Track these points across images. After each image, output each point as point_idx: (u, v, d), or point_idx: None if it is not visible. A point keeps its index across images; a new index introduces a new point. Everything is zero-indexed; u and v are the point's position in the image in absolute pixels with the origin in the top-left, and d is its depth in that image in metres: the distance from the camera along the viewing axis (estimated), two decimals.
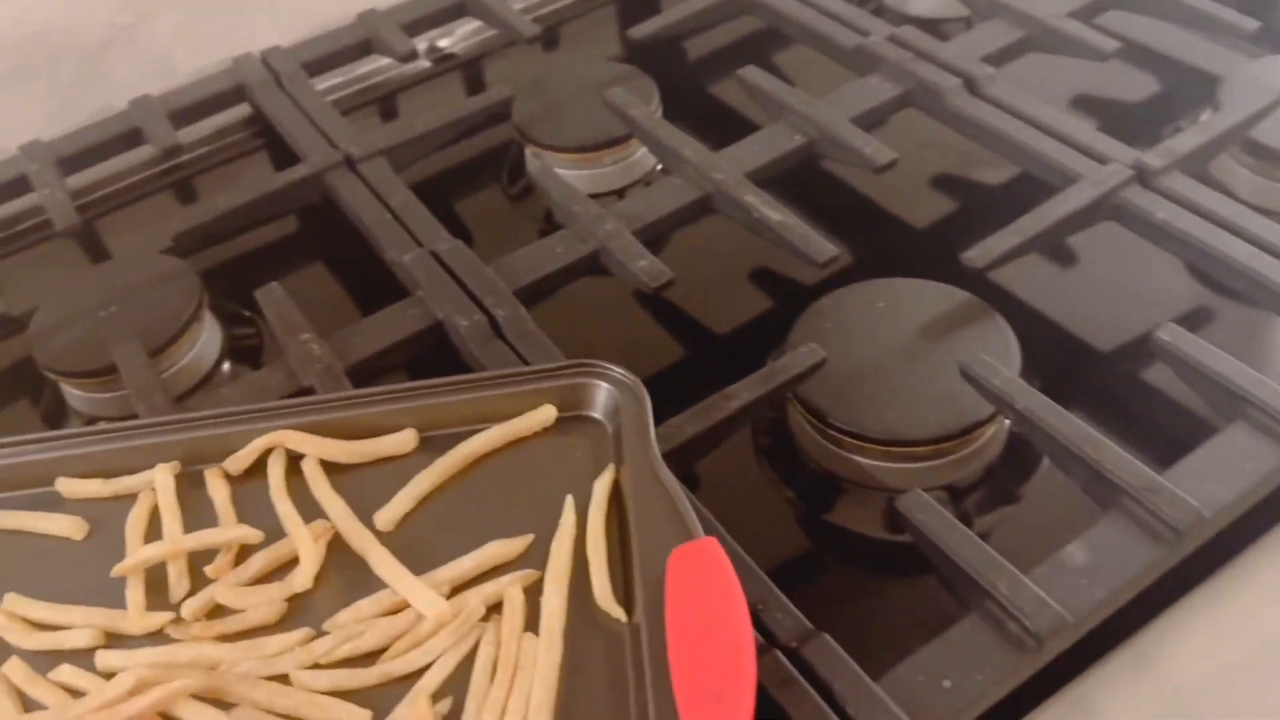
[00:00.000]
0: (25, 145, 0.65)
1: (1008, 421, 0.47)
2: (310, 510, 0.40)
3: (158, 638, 0.38)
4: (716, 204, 0.55)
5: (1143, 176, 0.52)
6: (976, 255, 0.48)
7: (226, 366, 0.57)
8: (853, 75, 0.63)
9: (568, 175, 0.60)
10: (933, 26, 0.65)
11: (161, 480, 0.41)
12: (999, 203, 0.61)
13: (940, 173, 0.63)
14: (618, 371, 0.42)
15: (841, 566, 0.45)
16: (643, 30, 0.69)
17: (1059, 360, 0.51)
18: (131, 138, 0.66)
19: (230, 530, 0.39)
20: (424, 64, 0.76)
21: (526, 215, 0.65)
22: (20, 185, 0.64)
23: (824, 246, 0.49)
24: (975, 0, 0.67)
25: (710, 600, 0.35)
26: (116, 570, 0.39)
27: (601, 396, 0.43)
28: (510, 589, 0.37)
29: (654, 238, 0.54)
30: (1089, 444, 0.41)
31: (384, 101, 0.75)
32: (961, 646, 0.37)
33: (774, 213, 0.52)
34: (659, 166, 0.64)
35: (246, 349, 0.58)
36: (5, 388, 0.59)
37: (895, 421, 0.44)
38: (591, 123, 0.62)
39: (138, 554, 0.39)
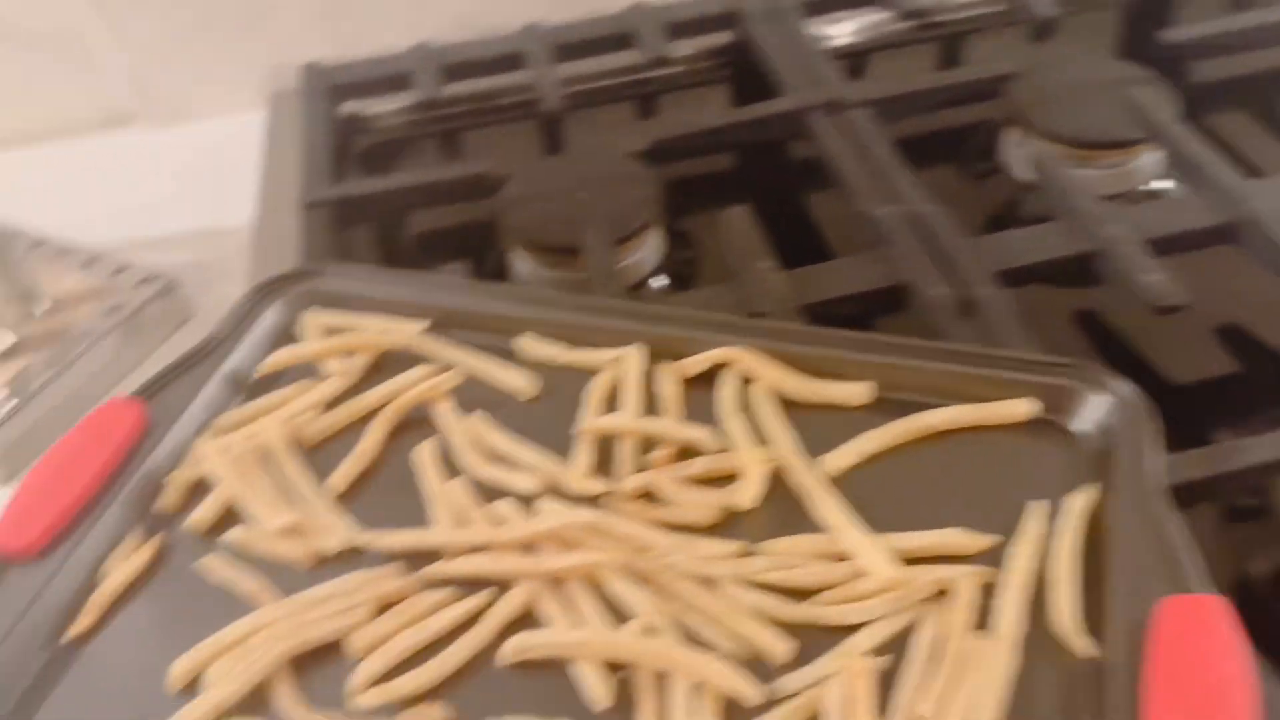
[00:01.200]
0: (527, 25, 0.68)
1: None
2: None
3: (592, 506, 0.37)
4: (1241, 236, 0.48)
5: None
6: None
7: (656, 282, 0.57)
8: None
9: None
10: None
11: (634, 360, 0.41)
12: None
13: None
14: (1123, 384, 0.37)
15: None
16: (1176, 35, 0.61)
17: None
18: (620, 40, 0.68)
19: (688, 427, 0.38)
20: (902, 25, 0.72)
21: (977, 197, 0.61)
22: (514, 61, 0.67)
23: None
24: None
25: (1206, 671, 0.30)
26: (583, 429, 0.39)
27: (1089, 406, 0.38)
28: (965, 581, 0.33)
29: (1156, 254, 0.47)
30: None
31: (855, 58, 0.72)
32: None
33: None
34: (1152, 183, 0.58)
35: (680, 270, 0.58)
36: (454, 244, 0.62)
37: None
38: (1100, 119, 0.56)
39: (603, 418, 0.39)
